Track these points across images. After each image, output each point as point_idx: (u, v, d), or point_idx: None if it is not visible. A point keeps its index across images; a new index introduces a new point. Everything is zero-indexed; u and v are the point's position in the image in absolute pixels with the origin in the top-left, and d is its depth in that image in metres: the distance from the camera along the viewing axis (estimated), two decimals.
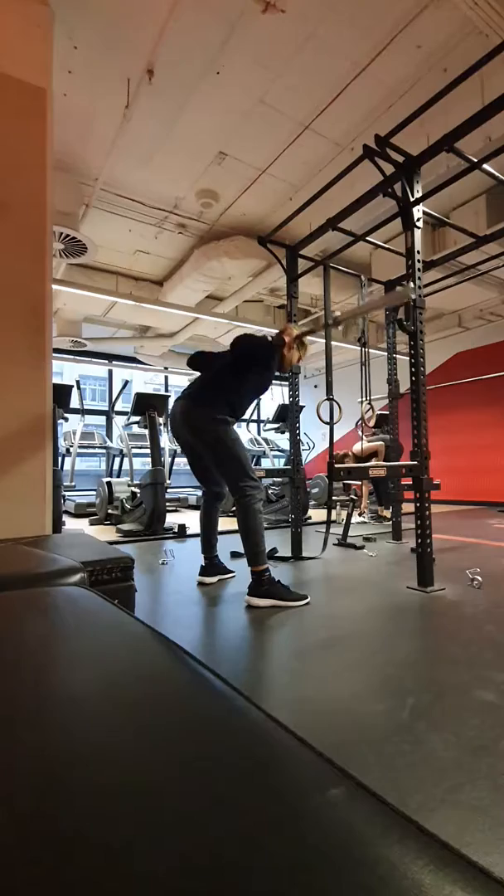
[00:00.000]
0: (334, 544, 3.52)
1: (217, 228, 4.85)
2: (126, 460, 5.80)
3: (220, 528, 2.62)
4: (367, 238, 3.19)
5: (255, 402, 2.38)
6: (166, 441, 6.61)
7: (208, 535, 2.50)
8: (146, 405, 4.53)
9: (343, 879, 0.26)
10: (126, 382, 6.84)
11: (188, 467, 2.53)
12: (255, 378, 2.24)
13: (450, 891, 0.25)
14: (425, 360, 2.39)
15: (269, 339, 2.31)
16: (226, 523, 4.18)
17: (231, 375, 2.21)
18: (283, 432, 6.16)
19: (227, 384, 2.20)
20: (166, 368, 8.51)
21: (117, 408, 7.36)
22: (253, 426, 9.28)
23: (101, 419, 8.64)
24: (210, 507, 2.51)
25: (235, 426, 2.24)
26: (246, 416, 2.25)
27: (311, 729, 1.09)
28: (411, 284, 2.29)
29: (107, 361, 8.58)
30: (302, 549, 3.16)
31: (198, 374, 2.39)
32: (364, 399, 3.49)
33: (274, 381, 2.42)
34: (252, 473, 2.15)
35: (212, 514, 2.52)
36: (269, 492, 5.62)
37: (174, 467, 7.22)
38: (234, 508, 2.16)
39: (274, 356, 2.28)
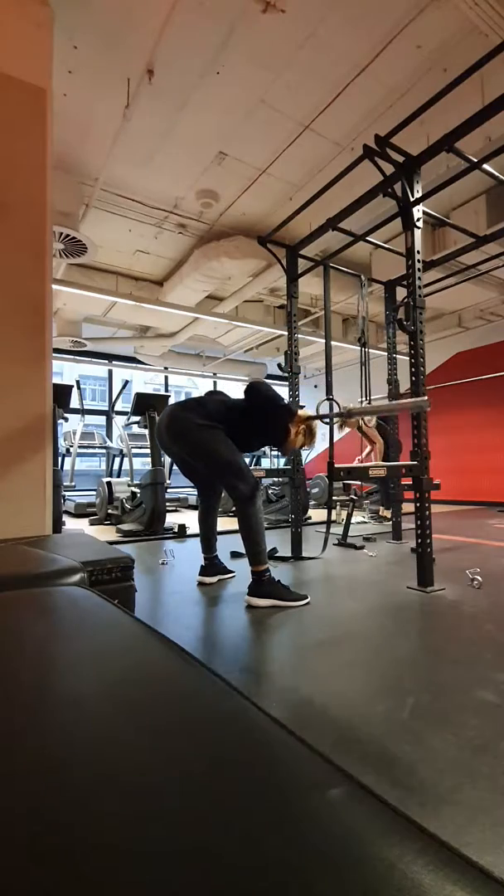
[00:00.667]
0: (334, 544, 3.52)
1: (217, 228, 4.85)
2: (126, 460, 5.80)
3: (219, 528, 2.62)
4: (367, 238, 3.19)
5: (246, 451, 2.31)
6: None
7: (207, 535, 2.51)
8: (146, 405, 4.53)
9: (343, 879, 0.26)
10: (126, 382, 6.84)
11: None
12: (259, 426, 2.20)
13: (450, 891, 0.25)
14: (425, 360, 2.39)
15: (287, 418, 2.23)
16: (226, 523, 4.19)
17: (237, 413, 2.18)
18: None
19: (228, 417, 2.15)
20: (166, 368, 8.51)
21: (117, 408, 7.36)
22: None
23: (101, 419, 8.65)
24: (207, 507, 2.51)
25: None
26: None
27: (311, 728, 1.09)
28: (425, 397, 2.21)
29: (107, 361, 8.58)
30: (302, 549, 3.16)
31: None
32: (364, 399, 3.49)
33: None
34: (245, 472, 2.11)
35: (210, 514, 2.52)
36: (269, 492, 5.63)
37: (174, 467, 7.22)
38: (234, 508, 2.16)
39: (287, 424, 2.21)
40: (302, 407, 3.45)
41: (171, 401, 4.42)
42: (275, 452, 7.17)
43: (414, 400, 2.17)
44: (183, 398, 2.34)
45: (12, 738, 0.42)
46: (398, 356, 3.81)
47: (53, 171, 2.26)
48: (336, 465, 2.20)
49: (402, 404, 2.24)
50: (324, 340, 3.34)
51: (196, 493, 2.50)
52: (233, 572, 2.59)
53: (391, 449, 3.92)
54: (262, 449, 6.85)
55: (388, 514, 4.85)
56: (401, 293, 3.78)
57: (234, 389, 9.77)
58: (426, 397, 2.22)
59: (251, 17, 2.61)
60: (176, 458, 2.34)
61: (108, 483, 5.14)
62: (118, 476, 6.33)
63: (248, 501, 2.09)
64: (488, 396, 6.76)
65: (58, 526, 3.17)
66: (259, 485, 2.14)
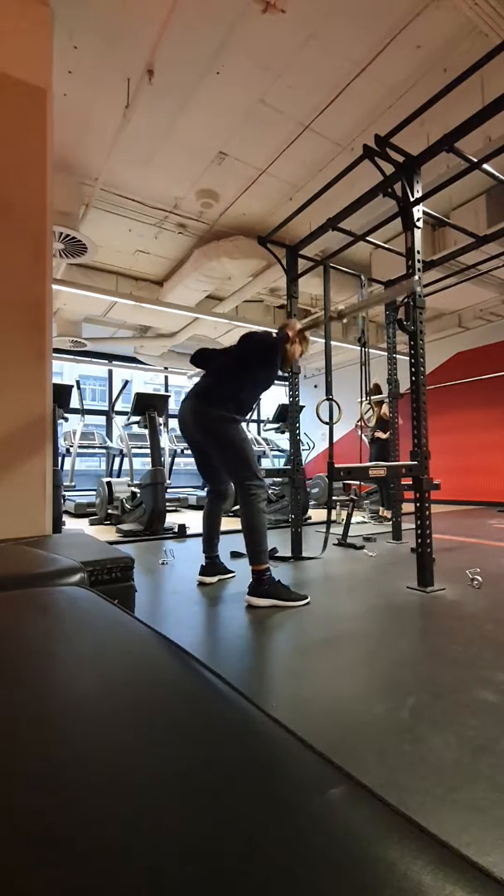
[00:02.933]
0: (334, 544, 3.52)
1: (217, 228, 4.85)
2: (126, 460, 5.80)
3: (221, 528, 2.62)
4: (367, 238, 3.19)
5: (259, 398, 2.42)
6: (166, 441, 6.62)
7: (211, 535, 2.50)
8: (146, 405, 4.53)
9: (343, 879, 0.26)
10: (126, 382, 6.84)
11: (188, 467, 2.53)
12: (261, 374, 2.28)
13: (450, 891, 0.25)
14: (425, 360, 2.39)
15: (273, 335, 2.32)
16: (226, 523, 4.19)
17: (237, 372, 2.23)
18: (283, 432, 6.16)
19: (234, 381, 2.22)
20: (166, 368, 8.51)
21: (117, 408, 7.35)
22: (253, 426, 9.28)
23: (101, 419, 8.64)
24: (214, 506, 2.52)
25: (244, 425, 2.27)
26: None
27: (311, 729, 1.09)
28: (416, 277, 2.29)
29: (107, 361, 8.57)
30: (302, 549, 3.16)
31: (201, 371, 2.41)
32: (364, 399, 3.49)
33: (275, 382, 2.43)
34: (258, 472, 2.17)
35: (215, 514, 2.52)
36: (270, 492, 5.63)
37: (174, 467, 7.21)
38: (234, 508, 2.16)
39: (278, 352, 2.30)
40: (302, 408, 3.46)
41: (171, 401, 4.42)
42: (275, 452, 7.17)
43: (403, 283, 2.22)
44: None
45: (12, 738, 0.42)
46: (398, 356, 3.81)
47: (53, 171, 2.26)
48: (336, 465, 2.20)
49: (394, 289, 2.30)
50: (324, 340, 3.34)
51: (202, 492, 2.52)
52: (233, 572, 2.59)
53: (391, 450, 3.91)
54: (262, 449, 6.86)
55: (388, 514, 4.85)
56: None
57: None
58: (416, 277, 2.28)
59: (251, 17, 2.61)
60: (196, 450, 2.40)
61: (108, 483, 5.14)
62: (118, 476, 6.33)
63: (256, 500, 2.12)
64: (488, 396, 6.76)
65: (58, 526, 3.17)
66: (266, 486, 2.17)
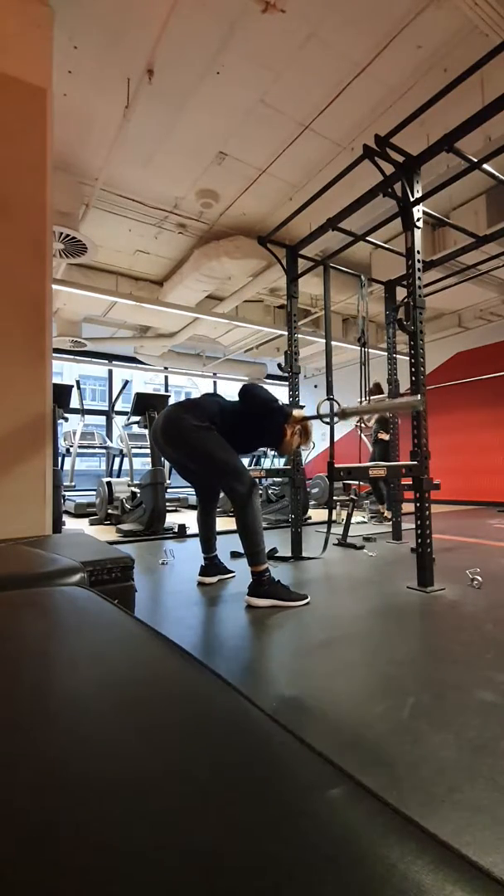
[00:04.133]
0: (334, 544, 3.52)
1: (217, 228, 4.85)
2: (126, 460, 5.80)
3: (219, 528, 2.62)
4: (367, 238, 3.19)
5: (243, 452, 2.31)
6: None
7: (207, 536, 2.50)
8: (146, 405, 4.53)
9: (343, 879, 0.26)
10: (126, 382, 6.84)
11: None
12: (255, 428, 2.20)
13: (450, 891, 0.25)
14: (425, 360, 2.39)
15: (283, 417, 2.23)
16: (225, 523, 4.19)
17: (232, 415, 2.17)
18: None
19: (224, 419, 2.15)
20: (166, 368, 8.51)
21: (117, 408, 7.36)
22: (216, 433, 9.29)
23: (101, 419, 8.64)
24: (205, 507, 2.51)
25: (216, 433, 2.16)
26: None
27: (311, 729, 1.09)
28: (419, 397, 2.21)
29: (107, 361, 8.57)
30: (302, 549, 3.16)
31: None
32: (364, 399, 3.49)
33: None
34: (242, 472, 2.10)
35: (209, 515, 2.51)
36: (269, 492, 5.63)
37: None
38: (233, 509, 2.16)
39: (283, 425, 2.21)
40: (302, 407, 3.46)
41: (172, 401, 4.42)
42: (274, 452, 7.17)
43: (408, 400, 2.16)
44: (183, 398, 2.34)
45: (12, 737, 0.42)
46: (398, 356, 3.81)
47: (53, 171, 2.26)
48: (336, 465, 2.20)
49: (396, 404, 2.23)
50: (324, 340, 3.34)
51: (195, 493, 2.49)
52: (233, 572, 2.59)
53: (391, 451, 3.91)
54: (262, 449, 6.86)
55: (389, 513, 4.85)
56: (401, 293, 3.77)
57: (235, 389, 9.78)
58: (419, 396, 2.20)
59: (251, 16, 2.61)
60: (172, 461, 2.32)
61: (108, 483, 5.14)
62: (118, 476, 6.33)
63: (246, 502, 2.08)
64: (488, 396, 6.76)
65: (58, 526, 3.16)
66: (256, 485, 2.14)
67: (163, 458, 3.98)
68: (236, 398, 2.29)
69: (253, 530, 2.08)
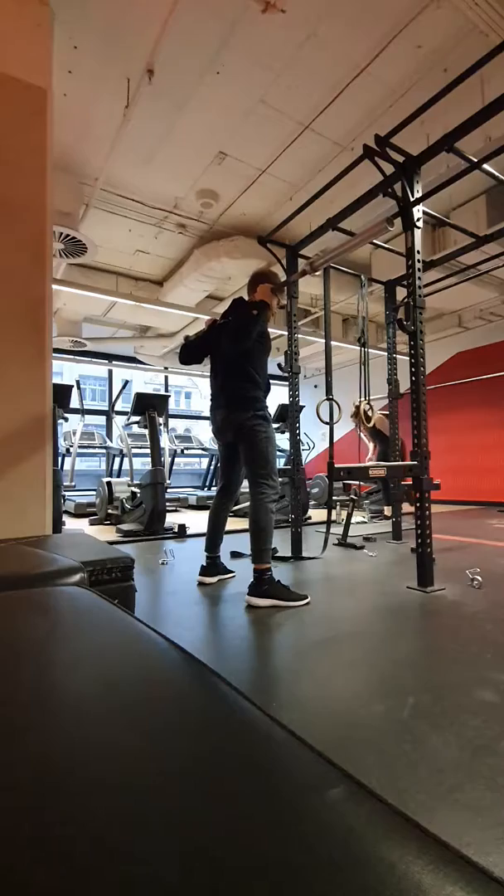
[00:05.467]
0: (334, 544, 3.52)
1: (217, 228, 4.85)
2: (126, 460, 5.80)
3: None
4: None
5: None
6: (166, 441, 6.61)
7: (214, 534, 2.49)
8: (146, 405, 4.53)
9: (343, 879, 0.26)
10: (126, 382, 6.84)
11: (189, 467, 2.52)
12: (259, 348, 2.34)
13: (450, 891, 0.25)
14: (425, 360, 2.39)
15: (253, 311, 2.33)
16: (228, 523, 4.18)
17: (244, 362, 2.28)
18: (283, 432, 6.16)
19: (241, 370, 2.28)
20: (166, 368, 8.51)
21: (117, 408, 7.36)
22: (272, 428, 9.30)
23: (101, 419, 8.64)
24: (221, 505, 2.51)
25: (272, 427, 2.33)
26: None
27: (311, 729, 1.09)
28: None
29: (107, 361, 8.57)
30: (302, 549, 3.16)
31: (199, 363, 2.47)
32: (364, 399, 3.48)
33: (275, 382, 2.46)
34: (274, 475, 2.22)
35: (221, 513, 2.51)
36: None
37: (174, 467, 7.21)
38: (235, 508, 2.17)
39: (261, 321, 2.34)
40: (302, 408, 3.46)
41: (172, 401, 4.41)
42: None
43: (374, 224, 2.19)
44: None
45: (12, 737, 0.42)
46: (398, 356, 3.81)
47: (53, 171, 2.26)
48: (336, 465, 2.20)
49: (368, 232, 2.26)
50: (324, 340, 3.34)
51: (203, 491, 2.52)
52: (233, 572, 2.59)
53: (392, 451, 3.91)
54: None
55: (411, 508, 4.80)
56: (401, 293, 3.77)
57: None
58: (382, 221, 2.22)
59: (251, 17, 2.61)
60: (228, 449, 2.43)
61: (108, 483, 5.13)
62: (118, 476, 6.33)
63: (265, 499, 2.16)
64: (488, 396, 6.76)
65: (58, 526, 3.16)
66: (279, 490, 2.24)
67: (163, 457, 3.99)
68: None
69: (264, 529, 2.14)
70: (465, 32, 2.72)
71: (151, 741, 0.41)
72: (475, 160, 2.43)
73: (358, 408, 3.16)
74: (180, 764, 0.38)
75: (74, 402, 5.72)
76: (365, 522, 4.92)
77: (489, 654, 1.48)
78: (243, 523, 2.18)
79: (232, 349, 2.28)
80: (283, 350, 3.52)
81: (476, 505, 6.76)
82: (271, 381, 2.45)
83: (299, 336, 3.54)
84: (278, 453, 7.90)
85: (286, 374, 3.32)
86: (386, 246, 3.48)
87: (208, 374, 2.50)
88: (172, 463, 6.98)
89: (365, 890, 0.25)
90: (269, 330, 2.52)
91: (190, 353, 2.48)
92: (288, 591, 2.07)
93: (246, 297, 2.48)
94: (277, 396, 8.63)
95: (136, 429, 4.96)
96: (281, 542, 3.47)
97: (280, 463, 7.25)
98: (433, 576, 2.30)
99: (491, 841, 0.75)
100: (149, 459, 4.43)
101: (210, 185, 4.18)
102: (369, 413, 3.23)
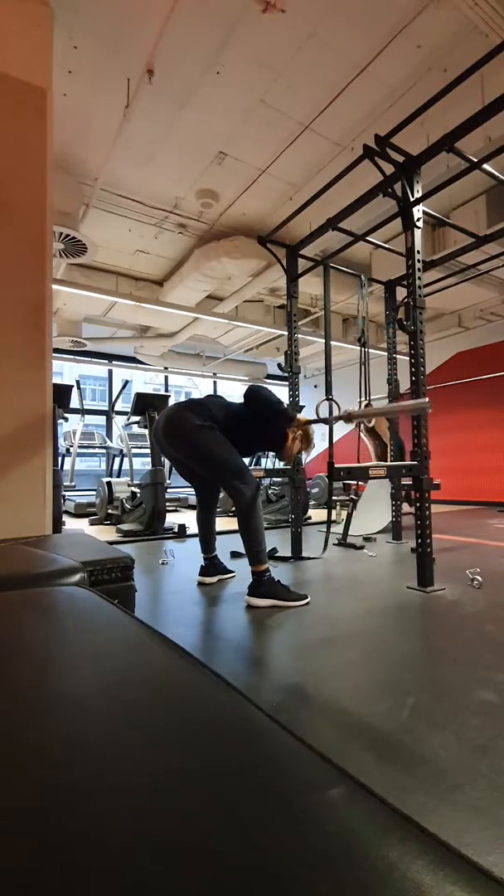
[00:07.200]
0: (334, 544, 3.52)
1: (217, 228, 4.85)
2: (126, 460, 5.80)
3: (219, 528, 2.62)
4: (367, 238, 3.19)
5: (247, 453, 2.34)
6: None
7: (206, 536, 2.50)
8: (146, 405, 4.53)
9: (343, 879, 0.26)
10: (126, 382, 6.84)
11: None
12: (258, 430, 2.22)
13: (450, 891, 0.25)
14: (425, 360, 2.39)
15: (287, 422, 2.25)
16: (225, 523, 4.19)
17: (236, 417, 2.19)
18: None
19: (227, 420, 2.17)
20: (166, 368, 8.51)
21: (117, 408, 7.35)
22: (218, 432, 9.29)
23: (101, 419, 8.64)
24: (205, 507, 2.50)
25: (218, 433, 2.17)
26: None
27: (310, 729, 1.09)
28: (426, 399, 2.21)
29: (107, 361, 8.57)
30: (302, 549, 3.16)
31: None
32: (364, 399, 3.49)
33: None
34: (245, 472, 2.11)
35: (208, 515, 2.51)
36: (269, 492, 5.62)
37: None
38: (234, 508, 2.16)
39: (285, 429, 2.24)
40: (301, 408, 3.45)
41: (172, 401, 4.42)
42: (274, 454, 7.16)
43: (415, 402, 2.15)
44: (183, 398, 2.34)
45: (12, 737, 0.42)
46: (398, 356, 3.81)
47: (53, 171, 2.26)
48: (336, 465, 2.20)
49: (403, 406, 2.22)
50: (324, 340, 3.34)
51: (195, 493, 2.49)
52: (233, 572, 2.59)
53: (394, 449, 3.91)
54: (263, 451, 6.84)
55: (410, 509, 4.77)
56: (401, 293, 3.78)
57: (235, 388, 9.78)
58: (426, 399, 2.20)
59: (251, 17, 2.61)
60: (173, 460, 2.31)
61: (108, 483, 5.14)
62: (118, 476, 6.33)
63: (249, 502, 2.08)
64: (488, 396, 6.76)
65: (58, 526, 3.16)
66: (259, 484, 2.15)
67: (163, 458, 3.98)
68: (240, 400, 2.28)
69: (255, 530, 2.08)
70: (465, 32, 2.72)
71: (151, 741, 0.41)
72: (475, 160, 2.43)
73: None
74: (180, 764, 0.38)
75: (74, 402, 5.72)
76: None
77: (489, 655, 1.48)
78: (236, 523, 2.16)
79: (245, 416, 2.19)
80: (283, 350, 3.52)
81: (476, 505, 6.76)
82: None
83: (299, 336, 3.54)
84: None
85: (286, 374, 3.32)
86: (386, 246, 3.47)
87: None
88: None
89: (365, 890, 0.25)
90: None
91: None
92: (288, 591, 2.07)
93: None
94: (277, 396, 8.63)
95: (136, 429, 4.96)
96: (281, 542, 3.47)
97: (280, 463, 7.26)
98: (433, 576, 2.30)
99: (491, 841, 0.75)
100: (149, 459, 4.43)
101: (210, 185, 4.17)
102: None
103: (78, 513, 5.91)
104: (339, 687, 1.29)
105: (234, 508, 2.14)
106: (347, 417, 2.34)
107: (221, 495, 2.52)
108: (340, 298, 5.68)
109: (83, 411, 6.55)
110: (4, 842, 0.29)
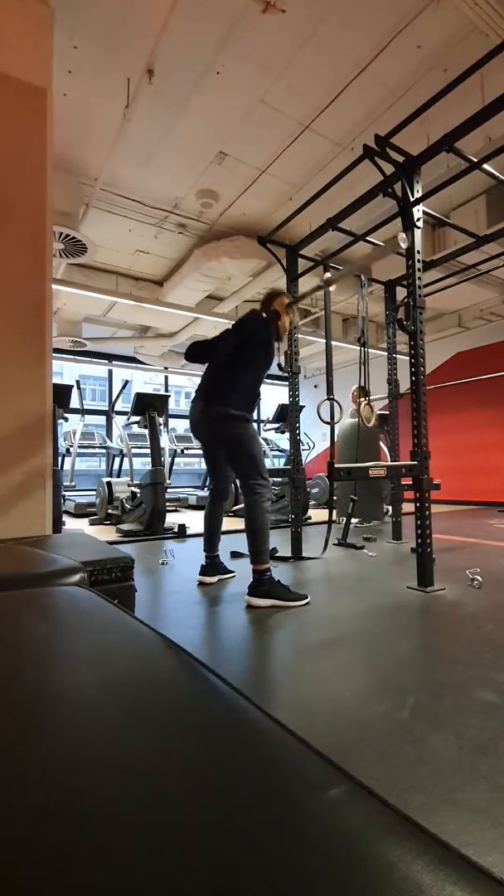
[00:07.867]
0: (334, 544, 3.52)
1: (217, 228, 4.85)
2: (126, 460, 5.80)
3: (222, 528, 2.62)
4: (367, 238, 3.19)
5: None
6: (166, 441, 6.61)
7: (212, 534, 2.50)
8: (146, 405, 4.53)
9: (343, 879, 0.26)
10: (126, 382, 6.84)
11: (189, 467, 2.52)
12: (259, 355, 2.29)
13: (450, 891, 0.25)
14: (425, 360, 2.39)
15: (263, 315, 2.32)
16: (227, 524, 4.18)
17: (235, 362, 2.25)
18: (283, 432, 6.15)
19: (234, 372, 2.24)
20: (166, 368, 8.51)
21: (117, 408, 7.36)
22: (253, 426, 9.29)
23: (101, 419, 8.64)
24: (216, 504, 2.52)
25: (253, 425, 2.28)
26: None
27: (311, 729, 1.09)
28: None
29: (107, 361, 8.57)
30: (302, 549, 3.16)
31: (202, 364, 2.41)
32: (364, 399, 3.48)
33: (274, 382, 2.44)
34: (264, 472, 2.18)
35: (217, 512, 2.52)
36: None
37: (174, 467, 7.21)
38: (235, 508, 2.16)
39: (272, 331, 2.31)
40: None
41: (172, 401, 4.41)
42: (275, 452, 7.17)
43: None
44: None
45: (12, 737, 0.42)
46: (398, 356, 3.81)
47: (53, 171, 2.26)
48: (336, 465, 2.20)
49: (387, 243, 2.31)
50: (324, 340, 3.34)
51: (203, 491, 2.51)
52: (233, 572, 2.59)
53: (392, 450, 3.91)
54: (263, 449, 6.84)
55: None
56: (401, 293, 3.77)
57: None
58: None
59: (251, 16, 2.61)
60: (207, 448, 2.42)
61: (108, 483, 5.14)
62: (118, 476, 6.33)
63: (261, 500, 2.13)
64: (488, 396, 6.76)
65: (58, 526, 3.16)
66: (271, 487, 2.19)
67: (163, 457, 3.97)
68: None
69: (260, 529, 2.11)
70: (465, 32, 2.72)
71: (151, 741, 0.41)
72: (475, 160, 2.43)
73: (359, 405, 3.16)
74: (180, 764, 0.38)
75: (74, 402, 5.72)
76: (359, 526, 4.91)
77: (489, 654, 1.48)
78: (241, 523, 2.17)
79: (227, 345, 2.25)
80: (283, 350, 3.53)
81: (476, 505, 6.76)
82: (270, 382, 2.45)
83: (299, 336, 3.54)
84: (277, 453, 7.88)
85: (286, 374, 3.32)
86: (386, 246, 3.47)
87: None
88: (172, 463, 6.97)
89: (365, 889, 0.25)
90: None
91: (195, 351, 2.41)
92: (288, 591, 2.07)
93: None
94: (278, 396, 8.63)
95: (136, 429, 4.96)
96: (281, 542, 3.47)
97: (280, 463, 7.26)
98: (433, 576, 2.30)
99: (491, 841, 0.75)
100: (149, 459, 4.43)
101: (210, 185, 4.18)
102: (370, 417, 3.23)
103: (78, 513, 5.91)
104: (340, 686, 1.29)
105: (234, 509, 2.15)
106: (326, 283, 2.56)
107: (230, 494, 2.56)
108: (340, 298, 5.68)
109: (83, 411, 6.55)
110: (4, 842, 0.29)
